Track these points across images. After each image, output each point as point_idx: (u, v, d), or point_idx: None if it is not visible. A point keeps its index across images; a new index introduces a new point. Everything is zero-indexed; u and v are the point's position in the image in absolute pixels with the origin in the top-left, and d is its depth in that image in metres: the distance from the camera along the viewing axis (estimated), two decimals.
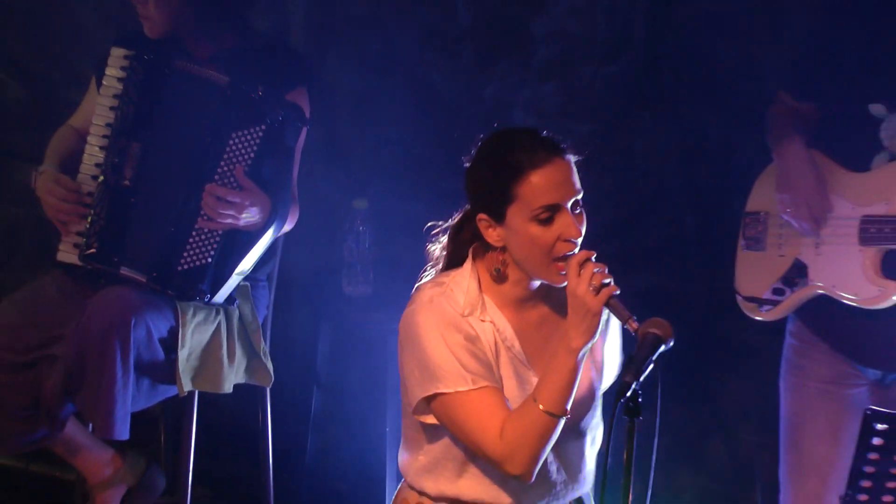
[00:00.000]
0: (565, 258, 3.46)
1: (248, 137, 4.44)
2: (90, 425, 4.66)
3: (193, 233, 4.45)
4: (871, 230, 4.23)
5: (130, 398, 4.41)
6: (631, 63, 5.47)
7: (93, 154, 4.58)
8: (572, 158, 3.53)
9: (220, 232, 4.45)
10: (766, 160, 4.52)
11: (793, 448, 4.47)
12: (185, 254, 4.46)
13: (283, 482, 5.16)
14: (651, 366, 3.16)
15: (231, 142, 4.44)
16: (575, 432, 3.61)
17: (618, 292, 3.39)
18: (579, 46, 5.47)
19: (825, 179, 4.32)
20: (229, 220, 4.42)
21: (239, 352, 4.70)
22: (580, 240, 3.49)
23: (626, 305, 3.37)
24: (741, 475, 5.12)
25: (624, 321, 3.36)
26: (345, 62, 5.63)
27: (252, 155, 4.45)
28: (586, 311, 3.38)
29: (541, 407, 3.41)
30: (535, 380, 3.53)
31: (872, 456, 3.57)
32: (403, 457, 3.72)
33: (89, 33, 5.60)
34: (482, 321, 3.57)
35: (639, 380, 3.13)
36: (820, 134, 4.38)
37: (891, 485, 3.61)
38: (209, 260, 4.47)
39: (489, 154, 3.56)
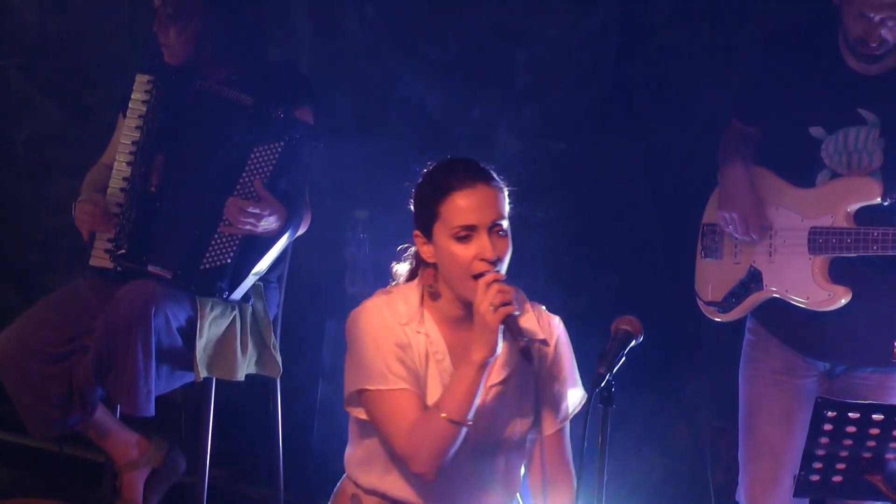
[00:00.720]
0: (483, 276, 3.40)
1: (268, 153, 4.45)
2: (118, 411, 4.68)
3: (216, 236, 4.46)
4: (819, 240, 4.24)
5: (153, 379, 4.41)
6: (602, 89, 5.49)
7: (120, 170, 4.58)
8: (501, 187, 3.47)
9: (239, 236, 4.45)
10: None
11: (749, 433, 4.46)
12: (208, 254, 4.47)
13: (292, 463, 5.12)
14: (623, 359, 3.08)
15: (252, 156, 4.45)
16: (490, 447, 3.55)
17: (516, 313, 3.34)
18: (556, 74, 5.47)
19: (769, 194, 4.33)
20: (248, 227, 4.43)
21: (251, 344, 4.68)
22: (504, 261, 3.44)
23: (521, 328, 3.36)
24: (702, 456, 5.07)
25: (514, 338, 3.34)
26: (348, 88, 5.64)
27: (271, 168, 4.45)
28: (485, 327, 3.34)
29: (442, 414, 3.36)
30: None
31: (823, 440, 3.58)
32: (348, 449, 3.73)
33: (121, 60, 5.58)
34: (417, 332, 3.51)
35: (612, 371, 3.09)
36: (768, 154, 4.39)
37: (840, 466, 3.65)
38: (229, 261, 4.47)
39: (425, 176, 3.55)
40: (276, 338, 4.76)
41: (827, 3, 4.18)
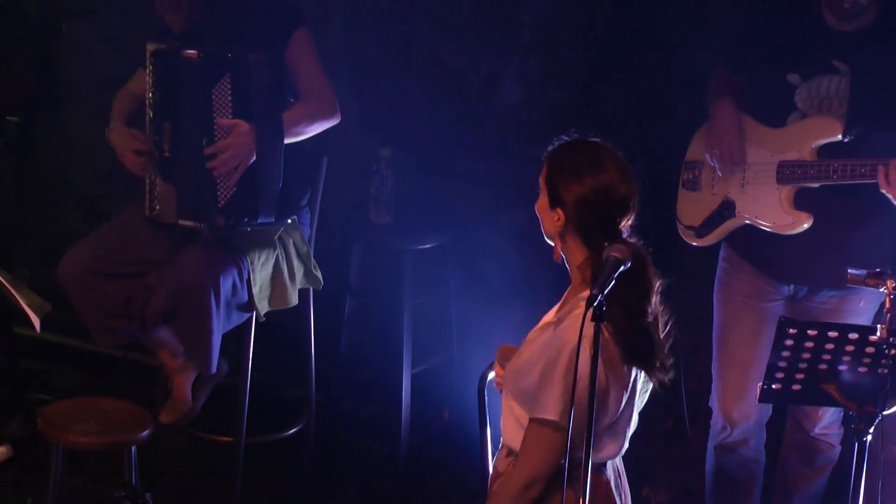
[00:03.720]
0: None
1: (222, 88, 4.38)
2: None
3: (217, 180, 4.41)
4: (787, 172, 4.23)
5: (220, 341, 4.47)
6: (598, 41, 5.43)
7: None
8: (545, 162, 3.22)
9: (234, 169, 4.41)
10: (703, 119, 4.50)
11: (722, 349, 4.49)
12: (218, 194, 4.43)
13: (322, 370, 5.15)
14: (613, 281, 2.99)
15: (213, 97, 4.39)
16: (507, 385, 3.28)
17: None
18: (557, 28, 5.43)
19: (747, 134, 4.31)
20: (234, 161, 4.38)
21: (297, 269, 4.71)
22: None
23: None
24: (680, 368, 5.05)
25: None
26: (373, 40, 5.58)
27: (230, 100, 4.38)
28: None
29: None
30: None
31: (785, 354, 3.61)
32: None
33: None
34: None
35: (603, 292, 2.97)
36: (748, 97, 4.37)
37: (799, 376, 3.68)
38: (235, 190, 4.42)
39: None
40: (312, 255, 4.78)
41: None
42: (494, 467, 3.34)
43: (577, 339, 2.93)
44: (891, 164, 3.99)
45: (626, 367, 3.11)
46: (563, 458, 2.98)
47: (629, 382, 3.14)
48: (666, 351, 3.18)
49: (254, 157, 4.41)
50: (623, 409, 3.16)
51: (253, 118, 4.40)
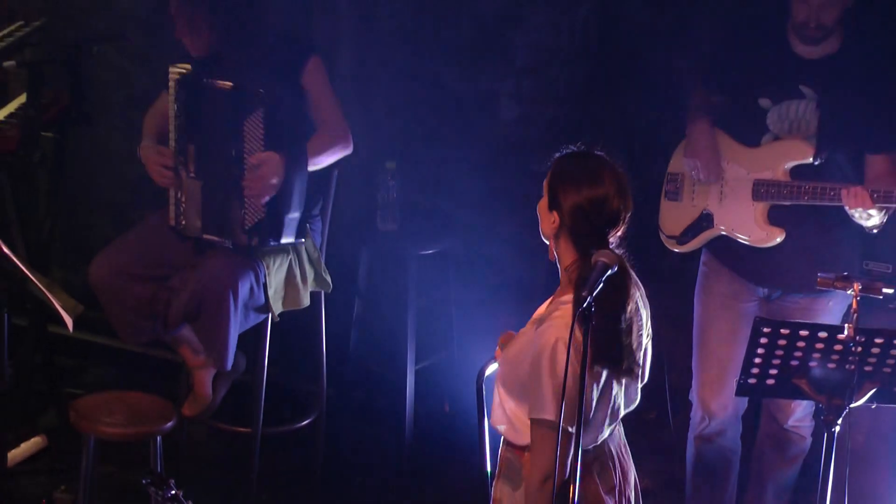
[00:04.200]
0: None
1: (255, 121, 4.38)
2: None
3: (245, 202, 4.43)
4: (761, 190, 4.27)
5: (236, 340, 4.49)
6: (586, 65, 5.46)
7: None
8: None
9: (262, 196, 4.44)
10: (682, 135, 4.51)
11: (702, 346, 4.51)
12: (245, 217, 4.44)
13: (333, 366, 5.18)
14: (601, 284, 3.00)
15: (245, 129, 4.39)
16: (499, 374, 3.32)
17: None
18: (548, 52, 5.45)
19: (722, 151, 4.34)
20: (264, 188, 4.38)
21: (308, 273, 4.72)
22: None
23: None
24: (660, 361, 5.07)
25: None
26: (382, 66, 5.61)
27: (262, 132, 4.39)
28: None
29: None
30: None
31: (760, 351, 3.64)
32: None
33: None
34: None
35: (592, 294, 2.97)
36: (724, 119, 4.39)
37: (772, 371, 3.71)
38: (263, 215, 4.44)
39: None
40: (323, 262, 4.78)
41: None
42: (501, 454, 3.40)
43: (554, 340, 3.00)
44: (857, 188, 4.04)
45: (597, 366, 3.12)
46: (567, 452, 3.03)
47: (601, 379, 3.14)
48: (634, 357, 3.18)
49: (281, 185, 4.42)
50: (599, 403, 3.17)
51: (282, 149, 4.41)
